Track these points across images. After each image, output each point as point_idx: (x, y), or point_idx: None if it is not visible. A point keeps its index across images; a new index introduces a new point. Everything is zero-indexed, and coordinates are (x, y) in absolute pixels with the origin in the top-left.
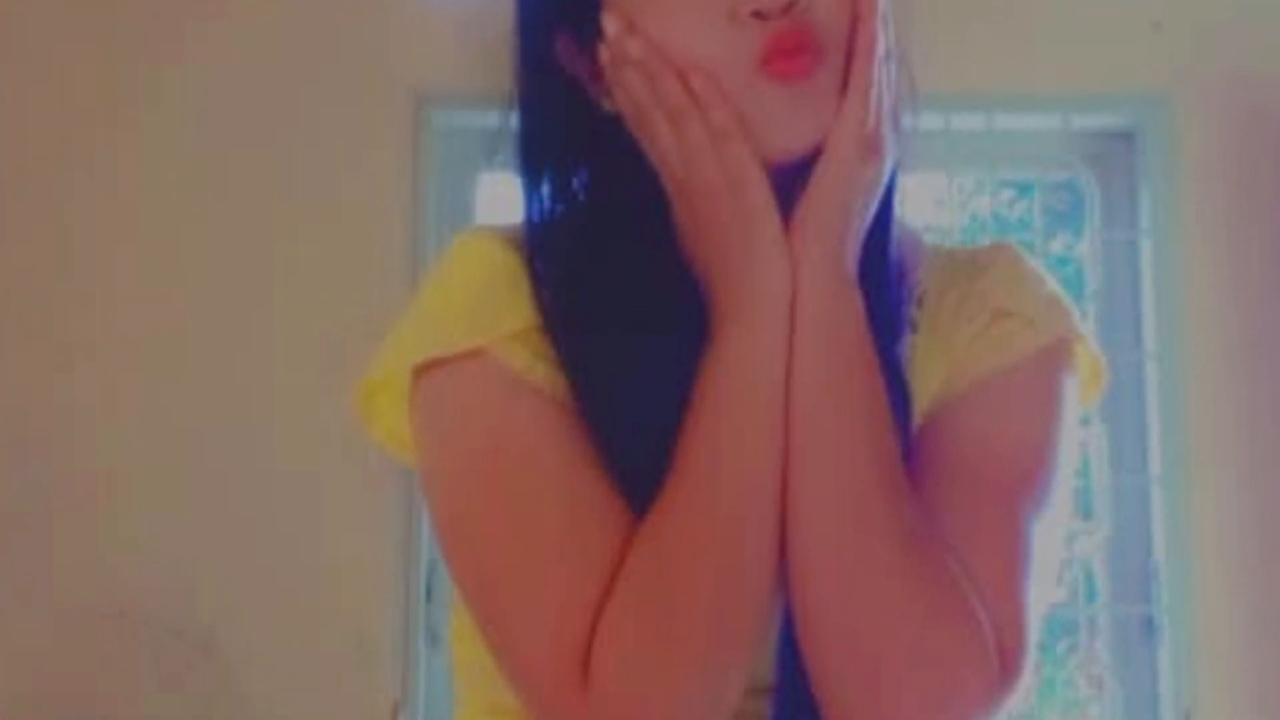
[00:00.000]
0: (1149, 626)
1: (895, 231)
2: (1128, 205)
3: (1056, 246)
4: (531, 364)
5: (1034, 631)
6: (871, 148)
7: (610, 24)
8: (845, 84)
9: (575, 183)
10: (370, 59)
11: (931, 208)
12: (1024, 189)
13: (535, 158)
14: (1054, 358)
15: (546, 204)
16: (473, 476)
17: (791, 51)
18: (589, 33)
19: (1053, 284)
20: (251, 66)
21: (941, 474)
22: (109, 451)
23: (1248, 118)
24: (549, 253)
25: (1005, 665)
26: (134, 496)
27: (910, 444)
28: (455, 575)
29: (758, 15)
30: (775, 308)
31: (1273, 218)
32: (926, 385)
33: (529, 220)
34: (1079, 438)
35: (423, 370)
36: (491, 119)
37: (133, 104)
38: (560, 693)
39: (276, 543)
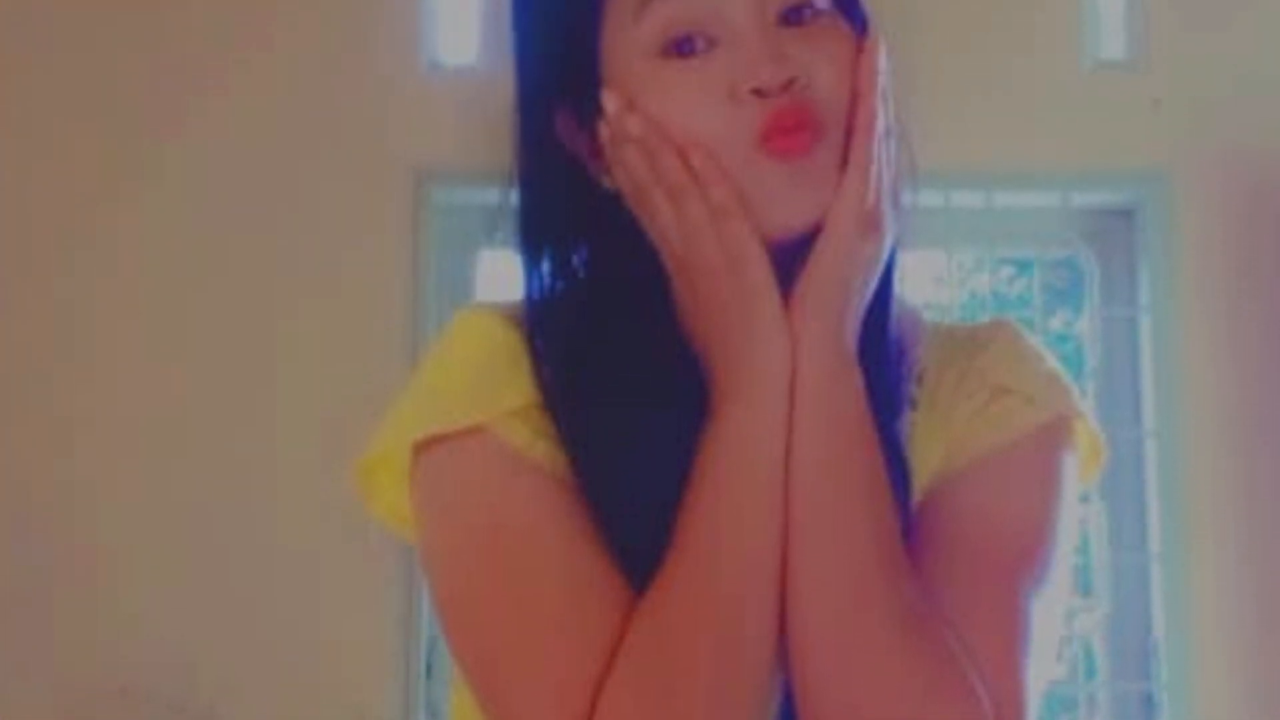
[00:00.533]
0: (1149, 704)
1: (895, 308)
2: (1127, 282)
3: (1056, 324)
4: (532, 441)
5: (1033, 708)
6: (871, 225)
7: (610, 101)
8: (845, 161)
9: (575, 260)
10: (370, 136)
11: (931, 285)
12: (1023, 266)
13: (535, 234)
14: (1053, 435)
15: (546, 281)
16: (473, 553)
17: (791, 129)
18: (589, 110)
19: (1052, 361)
20: (252, 143)
21: (941, 550)
22: (110, 528)
23: (1247, 195)
24: (549, 330)
25: None
26: (135, 573)
27: (910, 520)
28: (455, 652)
29: (757, 93)
30: (775, 385)
31: (1271, 295)
32: (926, 462)
33: (529, 297)
34: (1078, 515)
35: (423, 447)
36: (491, 196)
37: (134, 181)
38: None
39: (277, 619)
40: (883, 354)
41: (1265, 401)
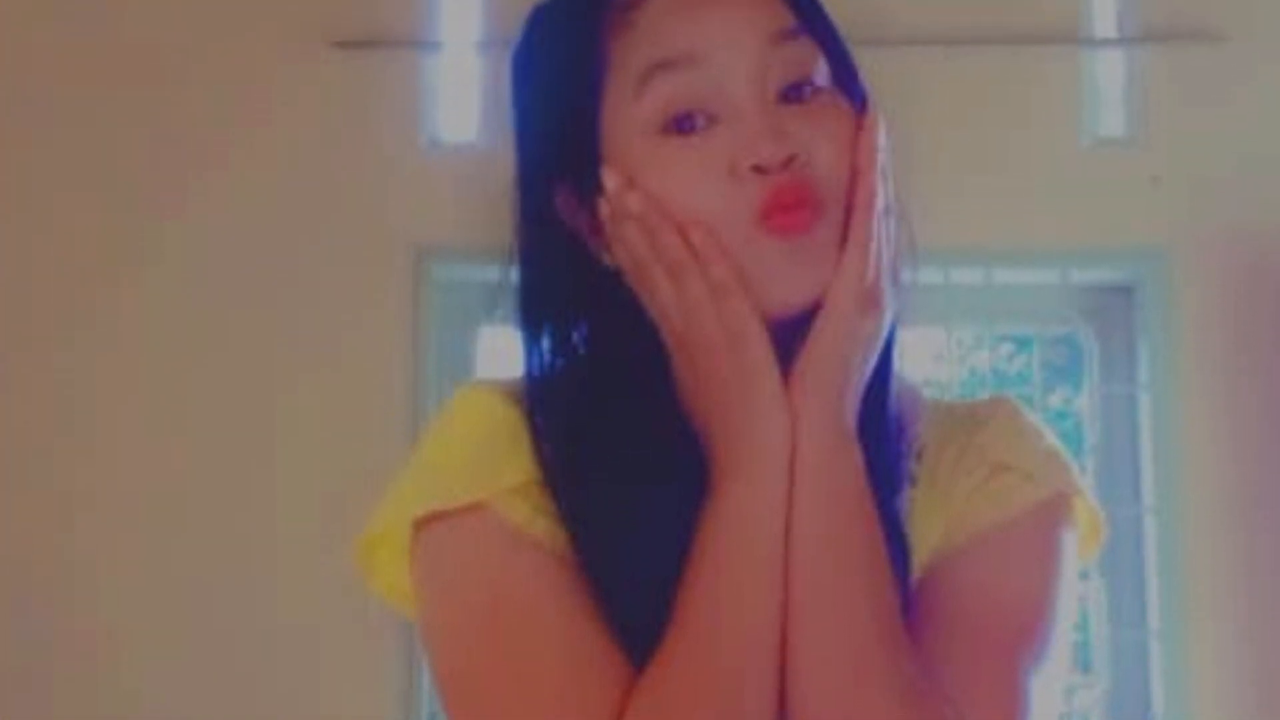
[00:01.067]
0: None
1: (894, 385)
2: (1126, 360)
3: (1055, 401)
4: (532, 518)
5: None
6: (871, 302)
7: (610, 178)
8: (845, 238)
9: (575, 336)
10: (370, 212)
11: (931, 362)
12: (1023, 343)
13: (535, 311)
14: (1053, 512)
15: (546, 358)
16: (473, 630)
17: (791, 206)
18: (589, 187)
19: (1051, 438)
20: (252, 219)
21: (940, 627)
22: (110, 604)
23: (1245, 273)
24: (549, 407)
25: None
26: (135, 649)
27: (909, 597)
28: None
29: (757, 170)
30: (775, 462)
31: (1270, 373)
32: (925, 538)
33: (529, 374)
34: (1078, 592)
35: (423, 523)
36: (491, 272)
37: (135, 257)
38: None
39: (278, 695)
40: (882, 430)
41: (1264, 479)
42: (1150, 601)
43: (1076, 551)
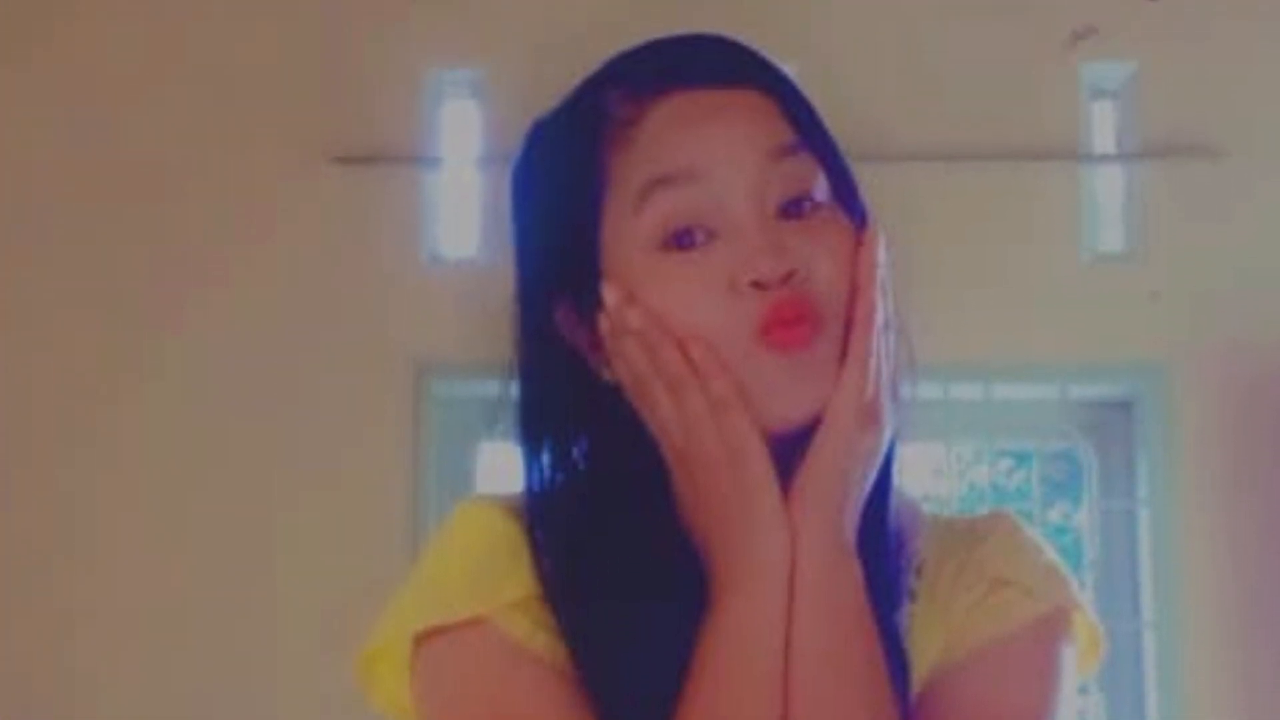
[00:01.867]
0: None
1: (894, 500)
2: (1125, 475)
3: (1054, 515)
4: (532, 633)
5: None
6: (870, 417)
7: (610, 294)
8: (844, 353)
9: (575, 451)
10: (371, 328)
11: (930, 477)
12: (1022, 458)
13: (535, 426)
14: (1052, 627)
15: (547, 473)
16: None
17: (791, 321)
18: (589, 302)
19: (1051, 552)
20: (253, 334)
21: None
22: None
23: (1244, 388)
24: (549, 522)
25: None
26: None
27: (909, 712)
28: None
29: (757, 285)
30: (774, 577)
31: (1269, 488)
32: (925, 654)
33: (529, 489)
34: (1077, 706)
35: (424, 638)
36: (491, 388)
37: (135, 373)
38: None
39: None
40: (882, 546)
41: (1263, 595)
42: (1149, 715)
43: (1076, 666)
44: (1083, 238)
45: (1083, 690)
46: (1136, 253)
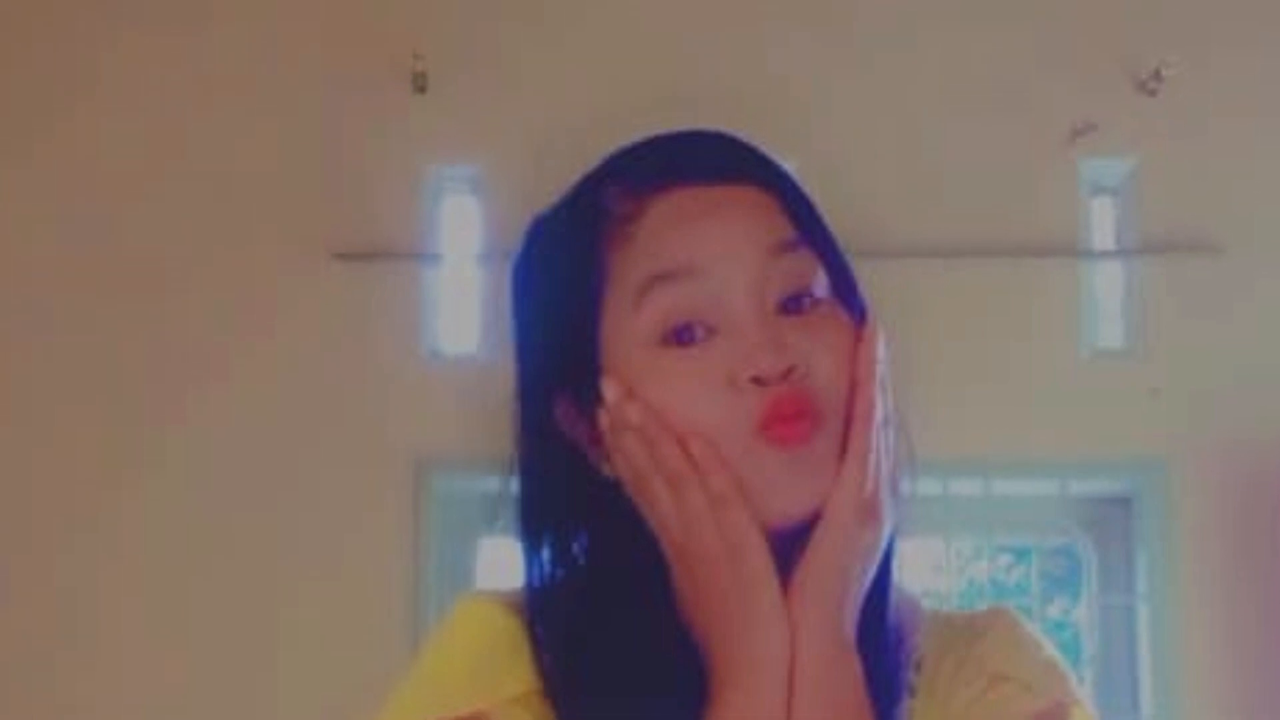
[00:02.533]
0: None
1: (894, 596)
2: (1124, 570)
3: (1054, 611)
4: None
5: None
6: (870, 513)
7: (610, 389)
8: (844, 449)
9: (575, 547)
10: (371, 423)
11: (930, 572)
12: (1021, 554)
13: (535, 522)
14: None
15: (546, 568)
16: None
17: (790, 417)
18: (589, 398)
19: (1050, 648)
20: (252, 428)
21: None
22: None
23: (1243, 485)
24: (549, 617)
25: None
26: None
27: None
28: None
29: (757, 381)
30: (774, 673)
31: (1267, 585)
32: None
33: (529, 584)
34: None
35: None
36: (492, 484)
37: (134, 467)
38: None
39: None
40: (882, 641)
41: (1262, 691)
42: None
43: None
44: (1082, 334)
45: None
46: (1136, 349)
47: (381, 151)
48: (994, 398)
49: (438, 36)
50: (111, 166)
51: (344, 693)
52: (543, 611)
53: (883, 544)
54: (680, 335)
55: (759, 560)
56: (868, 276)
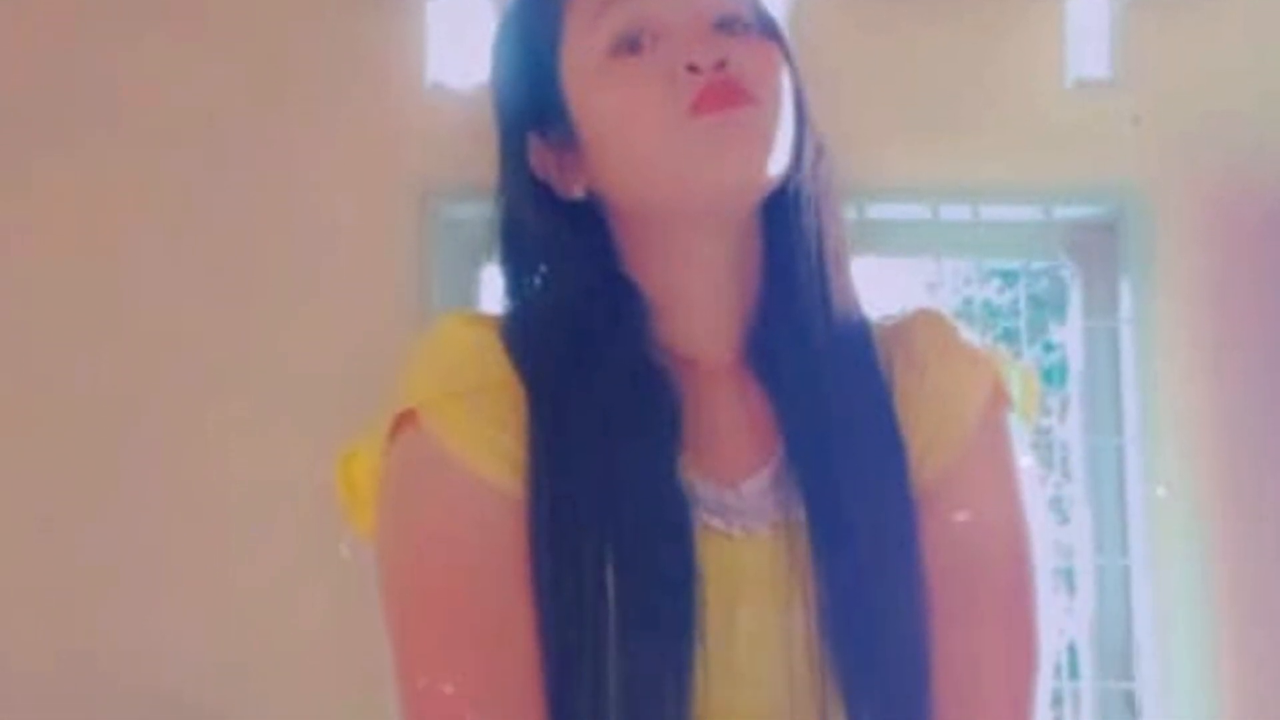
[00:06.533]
0: (1130, 703)
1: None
2: (1109, 294)
3: (1042, 333)
4: (504, 420)
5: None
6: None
7: None
8: (775, 131)
9: (545, 272)
10: (377, 154)
11: (924, 291)
12: (1009, 276)
13: (510, 249)
14: (995, 415)
15: (524, 293)
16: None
17: (721, 94)
18: (556, 135)
19: (969, 333)
20: (261, 164)
21: (947, 579)
22: None
23: (1224, 209)
24: (524, 336)
25: None
26: None
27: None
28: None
29: (692, 69)
30: None
31: (1248, 306)
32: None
33: (507, 307)
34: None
35: (398, 426)
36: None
37: (148, 210)
38: None
39: None
40: (858, 353)
41: (1242, 408)
42: (1131, 528)
43: (1022, 426)
44: (1067, 63)
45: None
46: (1120, 77)
47: None
48: (981, 126)
49: None
50: None
51: (350, 425)
52: (519, 331)
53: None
54: (630, 46)
55: None
56: (858, 7)
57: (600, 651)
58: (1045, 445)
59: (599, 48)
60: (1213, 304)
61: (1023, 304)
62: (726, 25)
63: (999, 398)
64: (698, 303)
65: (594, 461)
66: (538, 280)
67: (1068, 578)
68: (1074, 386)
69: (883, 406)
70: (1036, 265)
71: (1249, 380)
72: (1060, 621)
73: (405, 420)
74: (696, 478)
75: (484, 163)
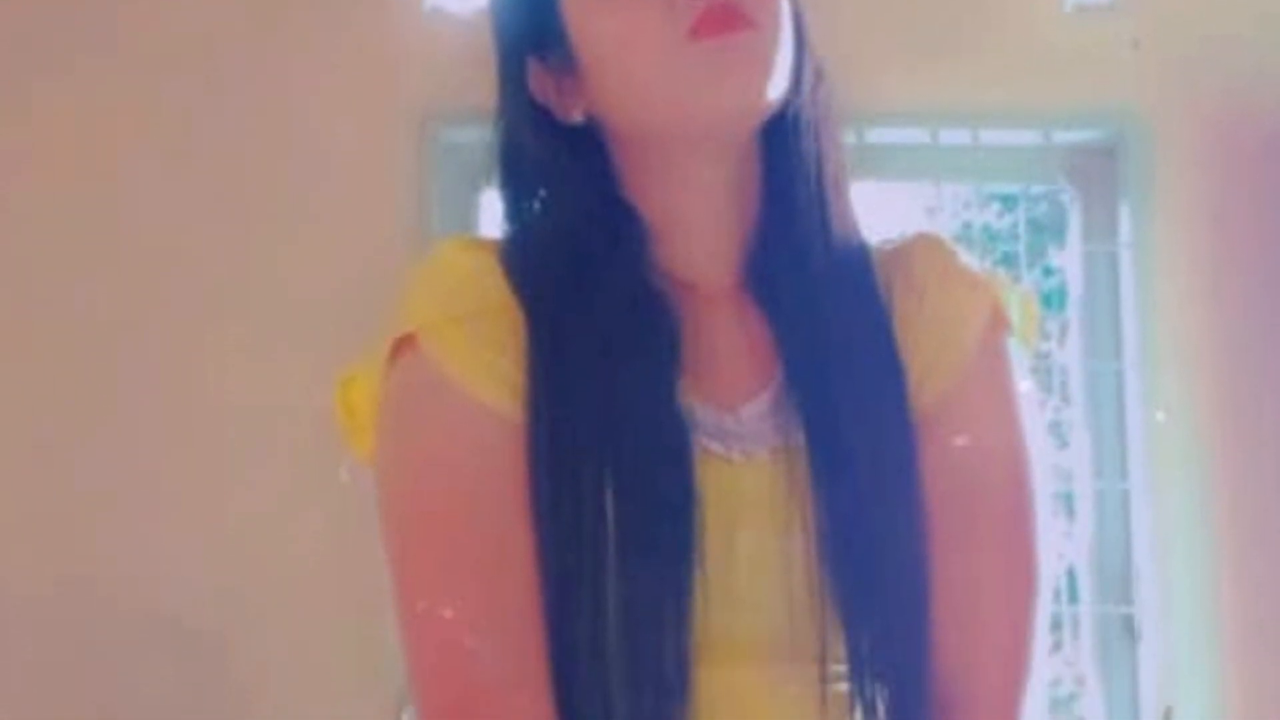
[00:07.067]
0: (1129, 627)
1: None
2: (1108, 218)
3: (1041, 257)
4: (504, 343)
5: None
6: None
7: None
8: (775, 56)
9: (544, 196)
10: (377, 80)
11: (924, 215)
12: (1009, 201)
13: (510, 174)
14: (994, 338)
15: (522, 217)
16: (422, 475)
17: (720, 14)
18: (555, 60)
19: (968, 258)
20: (264, 92)
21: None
22: None
23: (1224, 133)
24: (523, 259)
25: None
26: None
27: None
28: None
29: None
30: None
31: (1248, 230)
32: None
33: (506, 231)
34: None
35: (397, 350)
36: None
37: (153, 136)
38: None
39: None
40: (857, 278)
41: (1242, 332)
42: (1131, 452)
43: (1021, 352)
44: None
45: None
46: (1119, 1)
47: None
48: (980, 50)
49: None
50: None
51: (349, 351)
52: (514, 254)
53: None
54: None
55: None
56: None
57: (599, 576)
58: (1044, 370)
59: None
60: (1212, 228)
61: (1022, 228)
62: None
63: (998, 322)
64: (697, 227)
65: (593, 386)
66: (537, 205)
67: (1067, 502)
68: (1073, 311)
69: (882, 331)
70: (1036, 190)
71: (1248, 304)
72: (1059, 546)
73: (404, 344)
74: (696, 402)
75: (483, 87)
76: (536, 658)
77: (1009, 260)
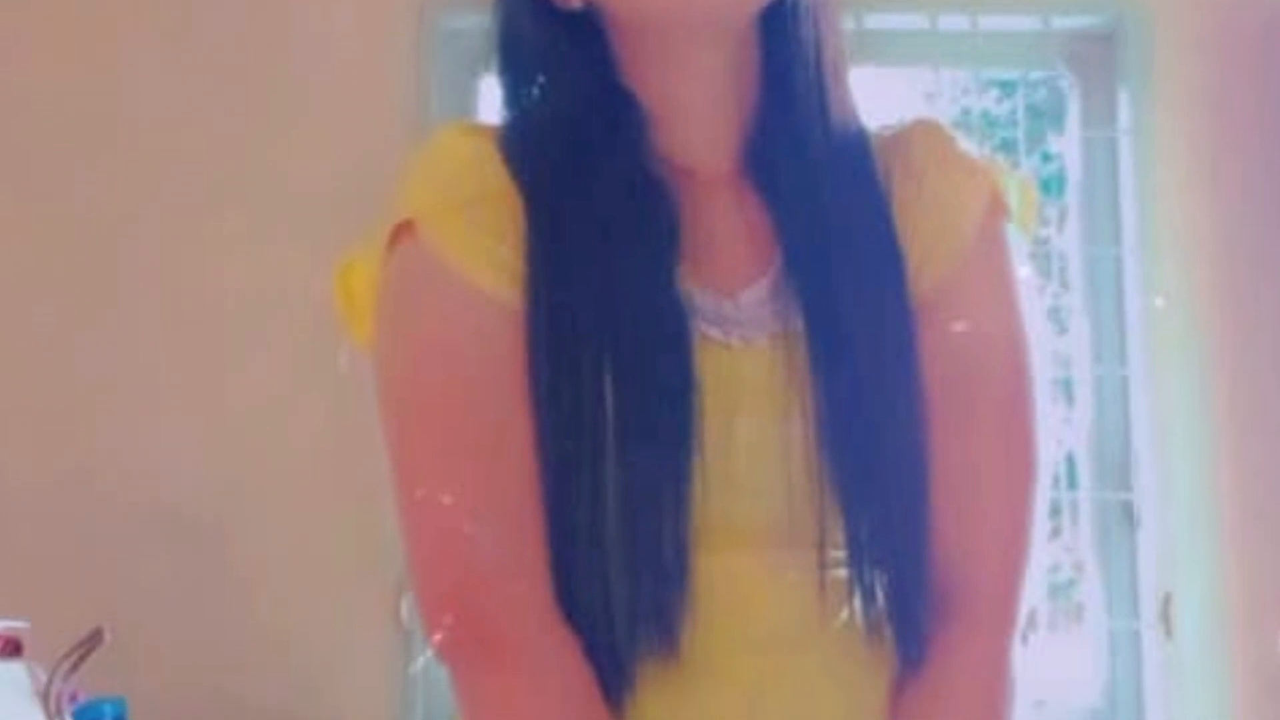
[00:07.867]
0: (1128, 513)
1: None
2: (1107, 104)
3: (1041, 143)
4: (503, 230)
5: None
6: None
7: None
8: None
9: (543, 82)
10: None
11: (923, 100)
12: (1008, 86)
13: (509, 60)
14: (992, 224)
15: (521, 99)
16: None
17: None
18: None
19: (967, 144)
20: None
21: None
22: None
23: (1223, 18)
24: (522, 146)
25: None
26: None
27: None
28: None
29: None
30: None
31: (1247, 115)
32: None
33: (504, 114)
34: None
35: (397, 236)
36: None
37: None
38: None
39: None
40: (856, 163)
41: (1241, 217)
42: (1130, 338)
43: (1019, 238)
44: None
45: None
46: None
47: None
48: None
49: None
50: None
51: (347, 230)
52: (512, 140)
53: None
54: None
55: None
56: None
57: (598, 461)
58: (1043, 255)
59: None
60: (1211, 113)
61: (1021, 114)
62: None
63: (997, 208)
64: (695, 113)
65: (592, 271)
66: (536, 91)
67: (1066, 388)
68: (1072, 197)
69: (881, 216)
70: (1035, 75)
71: (1247, 190)
72: (1058, 432)
73: (403, 231)
74: (695, 287)
75: None
76: (535, 544)
77: (1008, 146)
